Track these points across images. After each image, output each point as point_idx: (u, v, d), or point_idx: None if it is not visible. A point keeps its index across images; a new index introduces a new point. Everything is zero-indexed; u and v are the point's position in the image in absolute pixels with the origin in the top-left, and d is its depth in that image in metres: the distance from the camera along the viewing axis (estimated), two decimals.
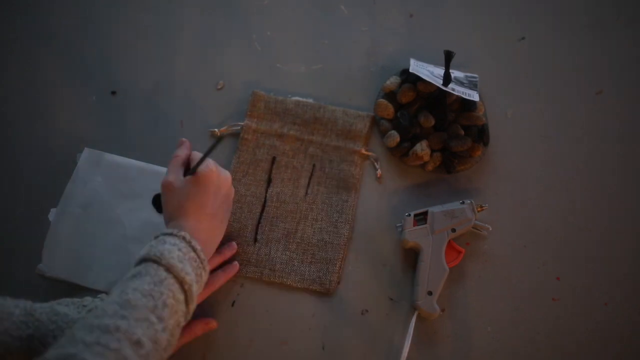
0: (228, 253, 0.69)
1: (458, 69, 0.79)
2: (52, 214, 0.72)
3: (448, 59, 0.73)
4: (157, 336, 0.48)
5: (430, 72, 0.75)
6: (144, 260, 0.54)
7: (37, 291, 0.68)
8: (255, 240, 0.71)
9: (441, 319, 0.67)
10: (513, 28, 0.85)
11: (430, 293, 0.65)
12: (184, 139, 0.66)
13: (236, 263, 0.68)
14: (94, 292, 0.67)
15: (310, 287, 0.69)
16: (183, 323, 0.53)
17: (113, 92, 0.81)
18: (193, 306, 0.54)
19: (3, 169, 0.76)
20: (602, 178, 0.75)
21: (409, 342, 0.64)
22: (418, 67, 0.75)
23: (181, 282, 0.53)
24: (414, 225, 0.69)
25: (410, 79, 0.77)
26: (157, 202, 0.73)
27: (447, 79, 0.73)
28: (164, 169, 0.74)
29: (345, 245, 0.71)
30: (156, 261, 0.53)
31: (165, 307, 0.50)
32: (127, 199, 0.73)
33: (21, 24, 0.85)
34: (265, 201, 0.73)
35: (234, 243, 0.70)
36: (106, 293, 0.63)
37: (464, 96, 0.73)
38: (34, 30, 0.85)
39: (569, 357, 0.66)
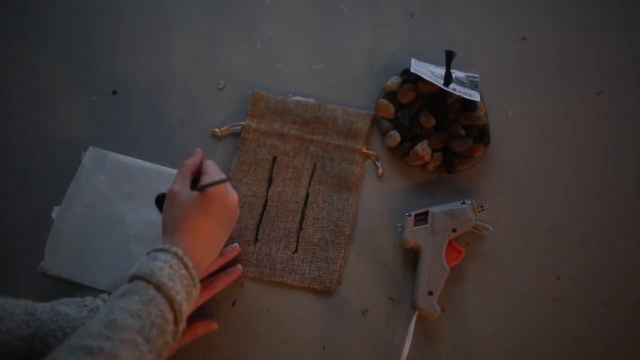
0: (231, 254, 0.69)
1: (459, 69, 0.79)
2: (56, 212, 0.72)
3: (449, 58, 0.73)
4: (143, 358, 0.46)
5: (431, 72, 0.75)
6: (134, 277, 0.52)
7: (39, 289, 0.69)
8: (256, 240, 0.71)
9: (441, 319, 0.67)
10: (514, 28, 0.85)
11: (430, 293, 0.65)
12: (198, 149, 0.64)
13: (239, 266, 0.68)
14: (95, 292, 0.67)
15: (311, 286, 0.69)
16: (172, 343, 0.51)
17: (114, 92, 0.81)
18: (182, 325, 0.52)
19: (6, 166, 0.76)
20: (603, 178, 0.75)
21: (409, 342, 0.64)
22: (419, 67, 0.75)
23: (171, 301, 0.51)
24: (414, 225, 0.69)
25: (411, 79, 0.77)
26: (160, 202, 0.73)
27: (448, 79, 0.73)
28: (167, 169, 0.75)
29: (347, 244, 0.71)
30: (146, 279, 0.51)
31: (154, 327, 0.48)
32: (130, 198, 0.73)
33: (22, 25, 0.85)
34: (266, 201, 0.73)
35: (236, 244, 0.70)
36: (108, 293, 0.63)
37: (464, 96, 0.73)
38: (35, 31, 0.85)
39: (569, 357, 0.66)
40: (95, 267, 0.69)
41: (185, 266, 0.54)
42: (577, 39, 0.84)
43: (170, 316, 0.50)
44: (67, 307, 0.58)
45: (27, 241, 0.71)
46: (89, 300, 0.60)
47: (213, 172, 0.61)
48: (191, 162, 0.62)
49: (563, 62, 0.82)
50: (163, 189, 0.73)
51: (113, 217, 0.72)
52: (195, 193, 0.58)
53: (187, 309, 0.53)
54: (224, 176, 0.60)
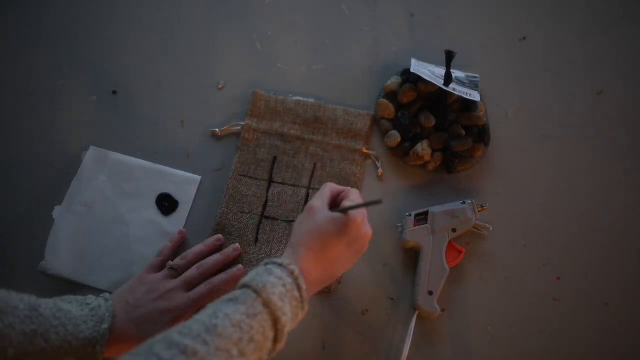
0: (232, 254, 0.69)
1: (459, 69, 0.79)
2: (56, 212, 0.72)
3: (449, 58, 0.73)
4: None
5: (431, 72, 0.75)
6: (245, 286, 0.51)
7: (39, 289, 0.68)
8: (257, 240, 0.71)
9: (441, 319, 0.67)
10: (514, 28, 0.85)
11: (430, 293, 0.65)
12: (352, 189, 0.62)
13: (240, 266, 0.68)
14: (95, 291, 0.67)
15: None
16: (266, 359, 0.50)
17: (114, 92, 0.81)
18: (281, 345, 0.51)
19: (7, 166, 0.76)
20: (603, 178, 0.75)
21: (409, 342, 0.64)
22: (419, 67, 0.75)
23: (275, 321, 0.50)
24: (414, 225, 0.69)
25: (411, 79, 0.77)
26: (161, 203, 0.73)
27: (448, 79, 0.73)
28: (168, 169, 0.75)
29: None
30: (256, 291, 0.50)
31: (251, 343, 0.47)
32: (131, 198, 0.73)
33: (22, 25, 0.85)
34: (266, 201, 0.73)
35: (237, 245, 0.70)
36: (109, 292, 0.63)
37: (465, 96, 0.73)
38: (34, 31, 0.85)
39: (569, 357, 0.66)
40: (95, 267, 0.70)
41: (299, 288, 0.52)
42: (577, 39, 0.84)
43: (270, 334, 0.50)
44: (69, 304, 0.58)
45: (27, 241, 0.71)
46: (91, 299, 0.60)
47: (356, 200, 0.60)
48: (337, 186, 0.61)
49: (563, 62, 0.82)
50: (163, 189, 0.74)
51: (114, 216, 0.72)
52: (334, 214, 0.57)
53: (290, 329, 0.52)
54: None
